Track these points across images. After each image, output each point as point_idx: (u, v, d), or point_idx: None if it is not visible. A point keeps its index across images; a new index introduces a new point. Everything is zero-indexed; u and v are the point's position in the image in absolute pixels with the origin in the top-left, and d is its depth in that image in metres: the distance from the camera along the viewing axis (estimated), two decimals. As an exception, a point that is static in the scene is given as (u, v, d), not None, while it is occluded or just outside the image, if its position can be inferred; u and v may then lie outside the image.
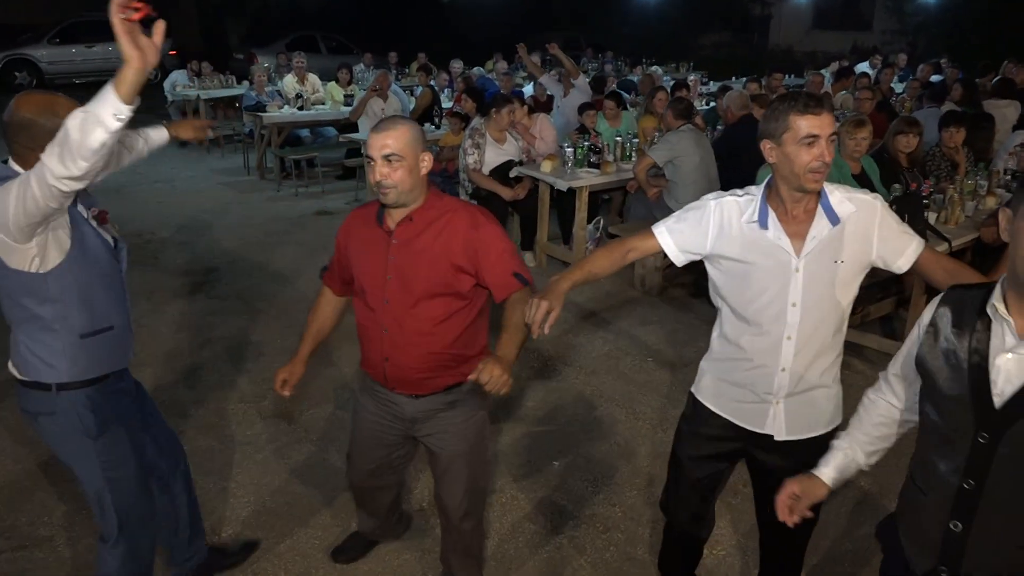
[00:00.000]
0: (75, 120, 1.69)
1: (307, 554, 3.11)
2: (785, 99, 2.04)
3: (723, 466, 2.45)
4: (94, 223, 2.22)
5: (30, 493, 3.44)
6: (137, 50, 1.61)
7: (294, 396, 4.29)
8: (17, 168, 2.06)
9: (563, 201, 6.43)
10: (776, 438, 2.24)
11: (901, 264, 2.08)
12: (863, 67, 13.28)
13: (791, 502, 1.97)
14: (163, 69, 17.54)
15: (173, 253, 6.60)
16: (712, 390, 2.34)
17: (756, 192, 2.15)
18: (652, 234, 2.26)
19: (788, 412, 2.21)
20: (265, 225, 7.49)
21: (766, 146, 2.06)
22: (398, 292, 2.29)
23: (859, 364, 4.70)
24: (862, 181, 4.84)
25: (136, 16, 1.57)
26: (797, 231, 2.07)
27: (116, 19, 1.56)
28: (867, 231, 2.06)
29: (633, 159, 6.49)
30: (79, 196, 2.11)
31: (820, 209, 2.05)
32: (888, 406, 1.91)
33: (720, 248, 2.17)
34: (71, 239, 2.08)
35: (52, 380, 2.19)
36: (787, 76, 11.62)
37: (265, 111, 9.09)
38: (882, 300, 5.25)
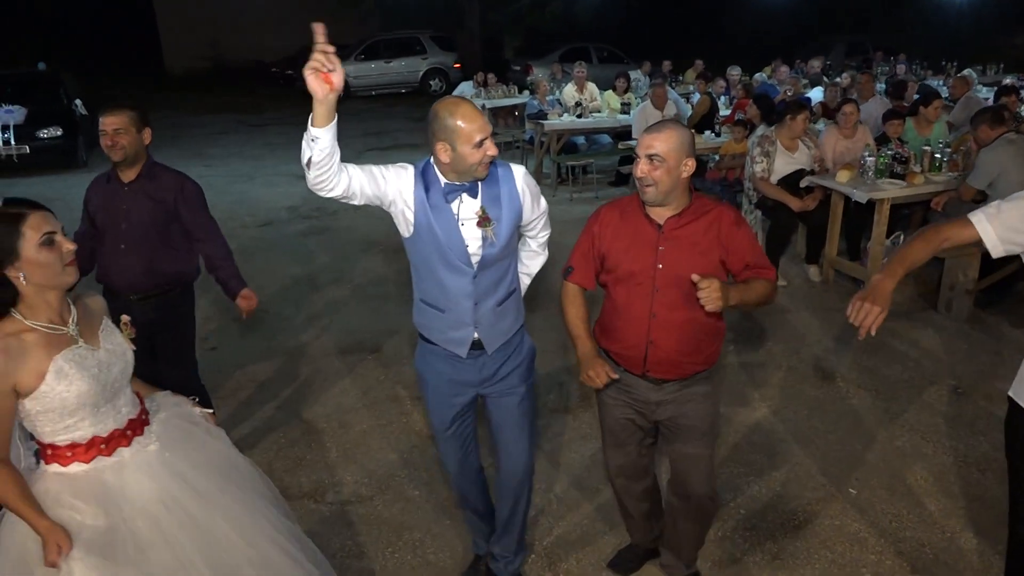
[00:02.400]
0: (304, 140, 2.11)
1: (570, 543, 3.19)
2: None
3: None
4: (465, 221, 2.40)
5: (359, 453, 3.88)
6: (319, 85, 1.95)
7: (583, 392, 4.43)
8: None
9: (857, 214, 5.99)
10: None
11: None
12: None
13: None
14: (447, 80, 19.10)
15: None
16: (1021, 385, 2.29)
17: None
18: (969, 223, 2.16)
19: None
20: (542, 228, 7.79)
21: None
22: (671, 281, 2.44)
23: None
24: None
25: (325, 78, 1.95)
26: None
27: (310, 74, 1.94)
28: None
29: (944, 171, 5.89)
30: (476, 192, 2.39)
31: None
32: None
33: None
34: (413, 225, 2.40)
35: (415, 321, 2.63)
36: None
37: (546, 119, 9.48)
38: None
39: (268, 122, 16.23)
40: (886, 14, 21.66)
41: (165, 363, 3.62)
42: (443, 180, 2.37)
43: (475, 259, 2.43)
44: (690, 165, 2.38)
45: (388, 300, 5.90)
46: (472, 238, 2.42)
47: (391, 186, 2.34)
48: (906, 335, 5.13)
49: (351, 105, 18.89)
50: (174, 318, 3.52)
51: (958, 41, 18.35)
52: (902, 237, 5.77)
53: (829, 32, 20.07)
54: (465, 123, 2.25)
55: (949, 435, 3.95)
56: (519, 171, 2.51)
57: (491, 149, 2.30)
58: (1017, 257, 2.25)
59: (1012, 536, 2.49)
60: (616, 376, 2.52)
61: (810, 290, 5.97)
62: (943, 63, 13.23)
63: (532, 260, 2.81)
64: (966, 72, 9.81)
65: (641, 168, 2.37)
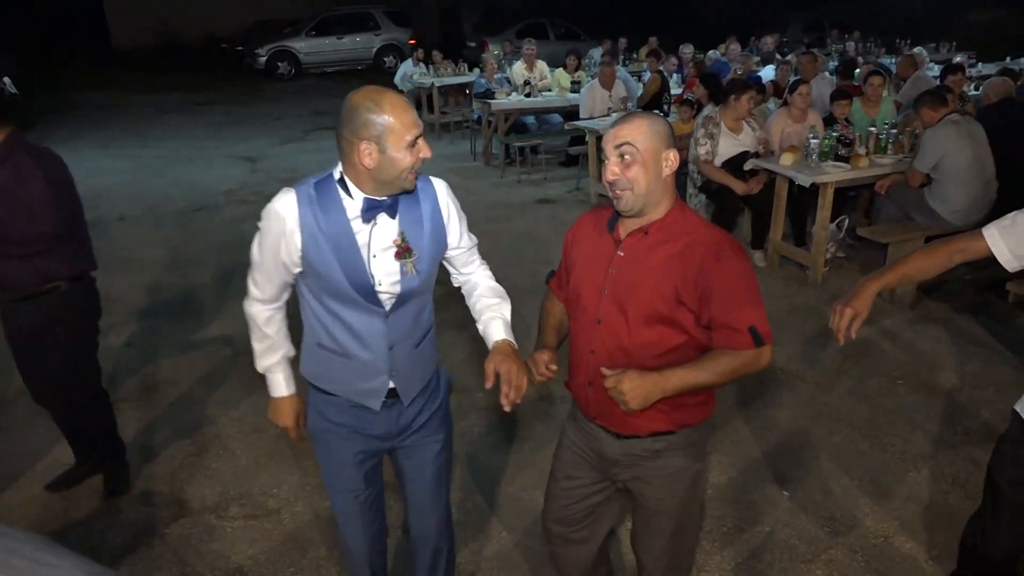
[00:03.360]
0: (256, 343, 2.19)
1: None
2: None
3: None
4: (378, 252, 1.96)
5: (271, 461, 3.64)
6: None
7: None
8: (336, 172, 1.95)
9: (800, 198, 5.84)
10: None
11: None
12: None
13: None
14: (402, 57, 18.66)
15: (402, 236, 6.83)
16: None
17: None
18: (981, 235, 2.07)
19: None
20: (487, 211, 7.54)
21: None
22: (612, 312, 1.99)
23: None
24: None
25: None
26: None
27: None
28: None
29: (889, 152, 5.76)
30: (395, 211, 1.95)
31: None
32: None
33: None
34: (302, 260, 1.94)
35: (303, 371, 2.18)
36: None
37: (494, 98, 9.21)
38: None
39: (215, 100, 15.75)
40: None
41: (50, 370, 3.15)
42: (359, 195, 1.91)
43: (387, 297, 1.98)
44: (672, 159, 1.93)
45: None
46: (385, 273, 1.96)
47: (277, 250, 1.94)
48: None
49: (302, 82, 18.43)
50: (63, 317, 3.10)
51: (914, 18, 18.35)
52: (846, 221, 5.65)
53: (788, 8, 19.99)
54: (396, 117, 1.81)
55: (886, 430, 3.82)
56: (441, 185, 2.07)
57: (425, 151, 1.88)
58: None
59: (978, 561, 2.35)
60: (554, 368, 2.10)
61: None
62: (896, 41, 13.17)
63: (504, 307, 2.22)
64: (915, 51, 9.73)
65: (611, 169, 1.91)
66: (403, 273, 1.98)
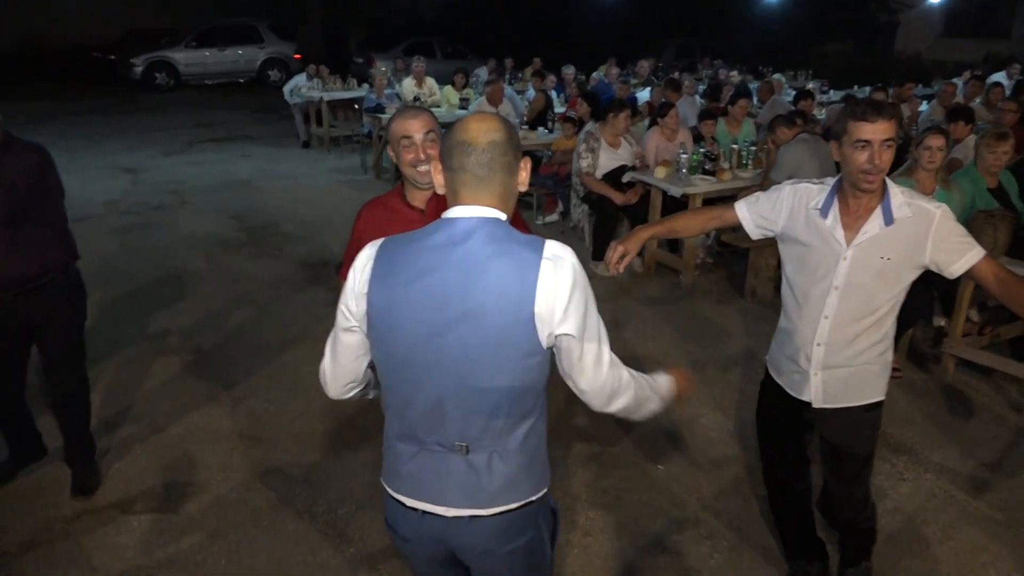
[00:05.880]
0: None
1: None
2: (848, 104, 2.31)
3: (792, 424, 2.70)
4: None
5: (173, 458, 3.70)
6: None
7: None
8: (499, 215, 1.62)
9: (672, 208, 6.36)
10: (814, 405, 2.52)
11: (953, 271, 2.25)
12: (997, 77, 12.54)
13: None
14: (288, 71, 18.52)
15: (295, 246, 6.92)
16: (774, 363, 2.69)
17: (830, 183, 2.37)
18: (733, 208, 2.59)
19: (825, 383, 2.48)
20: (380, 222, 7.71)
21: (833, 146, 2.31)
22: None
23: (986, 387, 4.45)
24: (999, 196, 4.60)
25: None
26: (853, 224, 2.31)
27: None
28: (920, 235, 2.24)
29: (750, 167, 6.37)
30: None
31: (879, 209, 2.28)
32: None
33: (789, 228, 2.44)
34: (367, 313, 1.64)
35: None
36: (917, 86, 11.04)
37: (384, 113, 9.40)
38: (1013, 321, 4.95)
39: (90, 110, 15.14)
40: (715, 19, 23.06)
41: (53, 369, 3.28)
42: None
43: None
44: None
45: (212, 299, 5.66)
46: None
47: None
48: (717, 320, 5.52)
49: (182, 94, 17.97)
50: (60, 311, 3.18)
51: (777, 48, 19.81)
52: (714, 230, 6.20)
53: (663, 35, 21.14)
54: None
55: (747, 410, 4.27)
56: None
57: None
58: None
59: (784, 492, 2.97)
60: None
61: (634, 280, 6.28)
62: (760, 68, 14.26)
63: None
64: (774, 77, 10.65)
65: (423, 151, 2.31)
66: None
